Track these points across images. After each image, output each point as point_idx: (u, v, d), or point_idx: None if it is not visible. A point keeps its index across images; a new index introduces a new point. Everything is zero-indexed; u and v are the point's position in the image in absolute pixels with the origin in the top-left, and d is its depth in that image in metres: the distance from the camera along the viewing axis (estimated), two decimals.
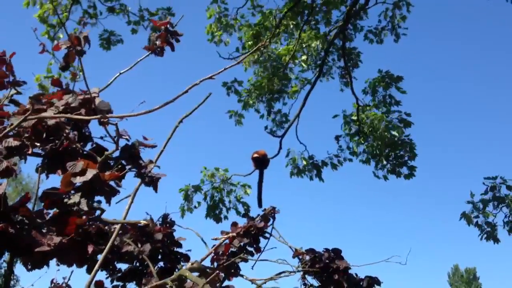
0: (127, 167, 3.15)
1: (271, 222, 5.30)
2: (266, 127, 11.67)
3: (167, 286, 2.33)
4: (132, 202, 3.49)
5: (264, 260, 4.86)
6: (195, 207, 10.67)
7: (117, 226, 3.13)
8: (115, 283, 3.66)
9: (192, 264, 2.59)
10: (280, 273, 4.87)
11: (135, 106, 3.23)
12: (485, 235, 10.75)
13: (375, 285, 5.03)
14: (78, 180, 2.01)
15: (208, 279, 2.28)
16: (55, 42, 10.29)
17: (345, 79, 11.57)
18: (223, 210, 10.75)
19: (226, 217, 10.75)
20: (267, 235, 5.16)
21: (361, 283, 5.04)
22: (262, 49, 10.95)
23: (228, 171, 10.71)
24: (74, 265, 2.26)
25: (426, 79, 75.26)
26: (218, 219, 10.73)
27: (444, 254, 75.35)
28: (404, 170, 10.92)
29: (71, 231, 2.09)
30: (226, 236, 2.87)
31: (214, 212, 10.65)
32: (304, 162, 11.10)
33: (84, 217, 2.06)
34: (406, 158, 10.79)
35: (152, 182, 3.28)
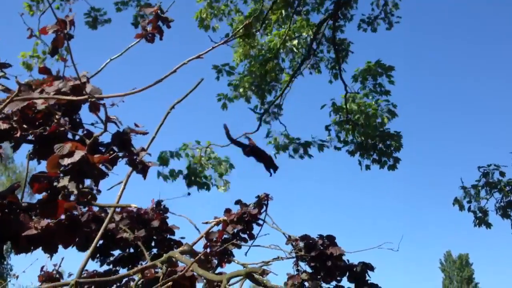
0: (119, 154, 3.14)
1: (264, 209, 5.31)
2: (255, 107, 11.54)
3: (158, 269, 2.32)
4: (124, 188, 3.48)
5: (257, 245, 4.87)
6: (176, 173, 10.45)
7: (110, 212, 3.13)
8: (107, 267, 3.66)
9: (183, 247, 2.59)
10: (274, 259, 4.88)
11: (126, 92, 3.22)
12: (477, 221, 10.83)
13: (368, 270, 5.05)
14: (66, 162, 1.99)
15: (196, 258, 2.27)
16: (37, 14, 10.20)
17: (334, 70, 11.54)
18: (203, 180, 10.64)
19: (208, 187, 10.63)
20: (260, 221, 5.17)
21: (354, 269, 5.06)
22: (251, 38, 10.90)
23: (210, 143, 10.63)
24: (65, 249, 2.25)
25: (417, 68, 75.40)
26: (200, 185, 10.56)
27: (437, 241, 75.89)
28: (389, 161, 11.03)
29: (60, 215, 2.08)
30: (217, 220, 2.87)
31: (195, 179, 10.50)
32: (287, 140, 11.12)
33: (72, 200, 2.05)
34: (392, 149, 10.88)
35: (143, 170, 3.27)
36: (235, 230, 4.92)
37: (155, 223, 4.30)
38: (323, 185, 76.96)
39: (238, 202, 5.25)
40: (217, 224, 2.85)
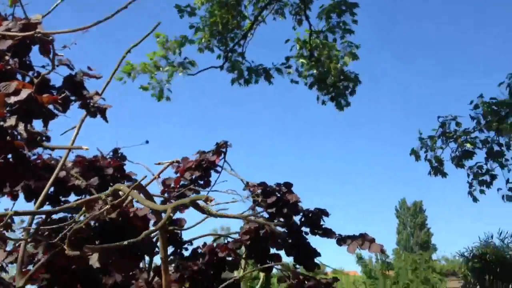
0: (71, 97, 3.07)
1: (222, 156, 5.33)
2: (218, 57, 11.43)
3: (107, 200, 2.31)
4: (77, 133, 3.43)
5: (215, 191, 4.91)
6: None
7: (63, 157, 3.08)
8: (62, 215, 3.63)
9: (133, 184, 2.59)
10: (232, 201, 4.93)
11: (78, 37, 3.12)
12: (433, 170, 11.18)
13: (323, 216, 5.18)
14: (12, 100, 1.93)
15: (135, 184, 2.28)
16: None
17: (299, 16, 11.41)
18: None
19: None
20: (218, 169, 5.20)
21: (309, 215, 5.19)
22: None
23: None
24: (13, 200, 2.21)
25: (381, 15, 75.42)
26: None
27: (393, 189, 78.42)
28: (342, 101, 11.17)
29: (7, 153, 2.03)
30: (170, 161, 2.86)
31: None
32: (248, 72, 11.17)
33: (20, 139, 2.00)
34: (347, 92, 11.00)
35: (97, 113, 3.21)
36: (193, 177, 4.94)
37: (109, 171, 4.25)
38: (283, 134, 77.63)
39: (199, 152, 5.26)
40: (171, 164, 2.83)
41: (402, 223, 40.32)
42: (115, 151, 4.72)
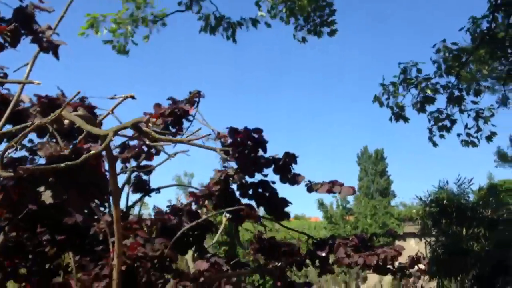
0: (22, 31, 2.92)
1: (195, 105, 5.26)
2: None
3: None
4: (30, 69, 3.28)
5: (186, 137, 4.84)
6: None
7: (16, 94, 2.95)
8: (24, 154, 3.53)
9: (78, 112, 2.49)
10: (203, 136, 4.84)
11: None
12: (394, 116, 11.33)
13: (292, 163, 5.18)
14: None
15: (65, 105, 2.21)
16: None
17: None
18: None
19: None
20: (190, 118, 5.14)
21: (279, 162, 5.20)
22: None
23: None
24: None
25: None
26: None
27: (355, 137, 79.86)
28: (327, 29, 11.03)
29: None
30: (124, 96, 2.76)
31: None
32: (215, 21, 10.89)
33: None
34: (327, 18, 10.81)
35: (50, 48, 3.08)
36: (167, 122, 4.87)
37: (70, 109, 4.13)
38: (251, 82, 77.19)
39: (170, 98, 5.16)
40: (125, 99, 2.74)
41: (364, 170, 41.18)
42: (82, 99, 4.56)
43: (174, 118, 4.92)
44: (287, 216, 5.03)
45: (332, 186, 4.85)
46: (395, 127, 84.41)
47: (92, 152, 1.96)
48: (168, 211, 4.95)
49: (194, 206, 5.06)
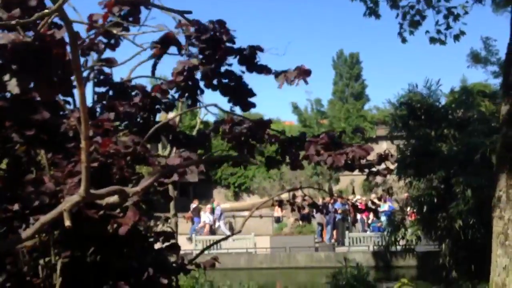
0: None
1: None
2: None
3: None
4: None
5: (144, 25, 4.68)
6: None
7: None
8: None
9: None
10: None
11: None
12: (368, 10, 11.08)
13: (258, 51, 5.08)
14: None
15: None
16: None
17: None
18: None
19: None
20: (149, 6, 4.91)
21: (244, 52, 5.10)
22: None
23: None
24: None
25: None
26: None
27: (330, 40, 79.12)
28: None
29: None
30: None
31: None
32: None
33: None
34: None
35: None
36: (122, 12, 4.66)
37: (32, 2, 3.91)
38: None
39: None
40: None
41: (339, 74, 41.10)
42: None
43: (131, 5, 4.67)
44: (252, 106, 5.01)
45: (298, 72, 4.77)
46: (371, 30, 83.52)
47: (46, 11, 1.86)
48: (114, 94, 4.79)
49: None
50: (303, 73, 4.75)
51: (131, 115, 4.62)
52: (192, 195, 29.86)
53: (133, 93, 4.93)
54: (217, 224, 25.80)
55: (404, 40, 11.35)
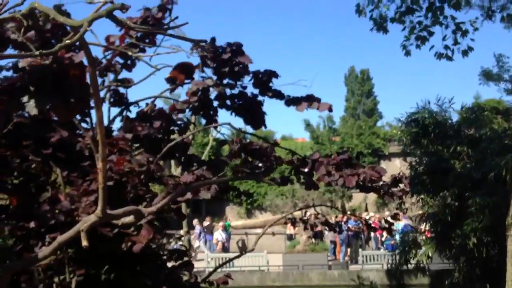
0: None
1: (168, 13, 5.11)
2: None
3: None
4: None
5: (159, 47, 4.76)
6: None
7: None
8: None
9: None
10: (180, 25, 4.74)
11: None
12: (376, 26, 11.05)
13: (273, 77, 5.18)
14: None
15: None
16: None
17: None
18: None
19: None
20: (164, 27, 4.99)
21: (259, 76, 5.18)
22: None
23: None
24: None
25: None
26: None
27: (342, 57, 79.32)
28: None
29: None
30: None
31: None
32: None
33: None
34: None
35: None
36: (138, 34, 4.76)
37: (48, 25, 4.01)
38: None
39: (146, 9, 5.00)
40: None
41: (351, 91, 41.22)
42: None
43: (149, 35, 4.77)
44: (262, 124, 5.07)
45: (310, 103, 4.86)
46: (381, 48, 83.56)
47: (67, 42, 1.92)
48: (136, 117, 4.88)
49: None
50: (324, 106, 4.82)
51: (150, 137, 4.69)
52: (204, 212, 29.82)
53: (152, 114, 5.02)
54: (196, 243, 24.22)
55: (407, 53, 11.24)
